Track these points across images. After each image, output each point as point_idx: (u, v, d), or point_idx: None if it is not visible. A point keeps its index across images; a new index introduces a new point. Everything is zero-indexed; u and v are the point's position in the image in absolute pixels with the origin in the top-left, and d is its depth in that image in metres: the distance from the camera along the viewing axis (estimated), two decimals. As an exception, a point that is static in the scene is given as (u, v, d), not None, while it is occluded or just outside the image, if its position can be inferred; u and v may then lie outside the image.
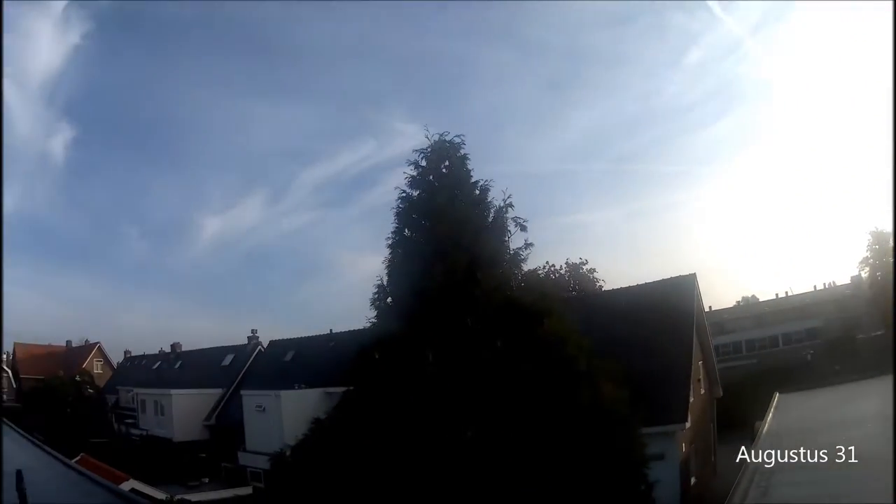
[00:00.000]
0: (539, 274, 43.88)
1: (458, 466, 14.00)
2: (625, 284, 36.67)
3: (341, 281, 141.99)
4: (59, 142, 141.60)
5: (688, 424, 27.67)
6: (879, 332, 63.89)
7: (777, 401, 40.19)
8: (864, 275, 72.48)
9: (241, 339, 62.77)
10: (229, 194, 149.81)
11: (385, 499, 14.40)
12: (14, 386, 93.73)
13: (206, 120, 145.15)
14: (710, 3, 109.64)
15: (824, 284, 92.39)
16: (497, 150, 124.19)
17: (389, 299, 17.60)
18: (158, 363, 74.91)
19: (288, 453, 18.18)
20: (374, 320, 17.66)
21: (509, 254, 17.63)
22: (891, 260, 66.66)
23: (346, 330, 47.90)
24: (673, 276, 33.34)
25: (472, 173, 18.21)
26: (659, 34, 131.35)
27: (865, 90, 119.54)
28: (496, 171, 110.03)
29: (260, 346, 60.77)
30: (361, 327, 19.02)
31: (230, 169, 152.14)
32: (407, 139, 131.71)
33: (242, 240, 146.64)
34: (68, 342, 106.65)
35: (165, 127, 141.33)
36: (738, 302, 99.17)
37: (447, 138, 18.33)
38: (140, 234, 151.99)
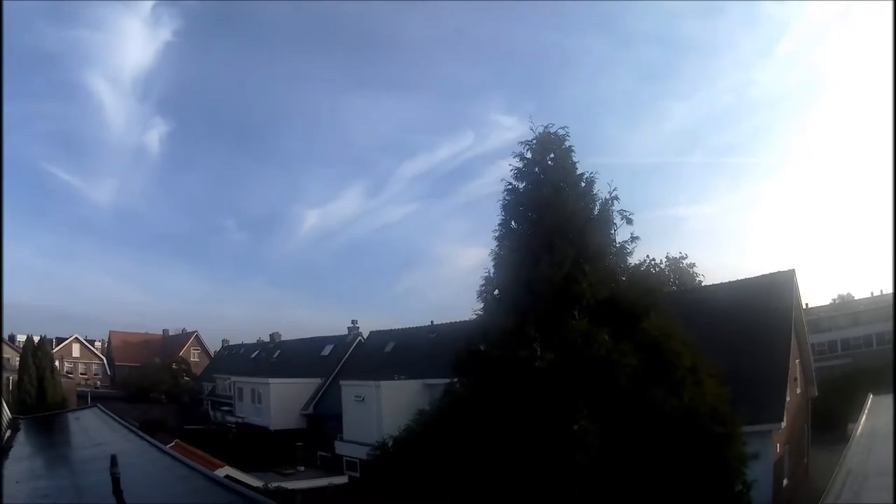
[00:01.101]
0: (641, 268, 43.55)
1: (566, 462, 14.08)
2: (723, 280, 36.18)
3: (441, 272, 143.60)
4: (155, 136, 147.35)
5: (783, 424, 27.14)
6: None
7: (871, 402, 39.01)
8: None
9: (341, 329, 64.06)
10: (329, 187, 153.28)
11: (493, 492, 14.61)
12: (109, 373, 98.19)
13: (303, 114, 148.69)
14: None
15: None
16: (595, 142, 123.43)
17: (496, 291, 17.67)
18: (257, 352, 76.56)
19: (390, 444, 18.44)
20: (480, 312, 17.74)
21: (615, 247, 17.57)
22: None
23: (447, 322, 48.33)
24: (771, 272, 32.71)
25: (577, 165, 18.20)
26: (751, 24, 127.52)
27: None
28: (595, 163, 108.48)
29: (360, 337, 61.60)
30: (463, 319, 19.22)
31: (329, 162, 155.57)
32: (505, 131, 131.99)
33: (341, 231, 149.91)
34: (165, 331, 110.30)
35: (263, 121, 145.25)
36: (834, 299, 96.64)
37: (551, 130, 18.35)
38: (238, 226, 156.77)
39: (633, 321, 16.33)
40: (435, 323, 53.86)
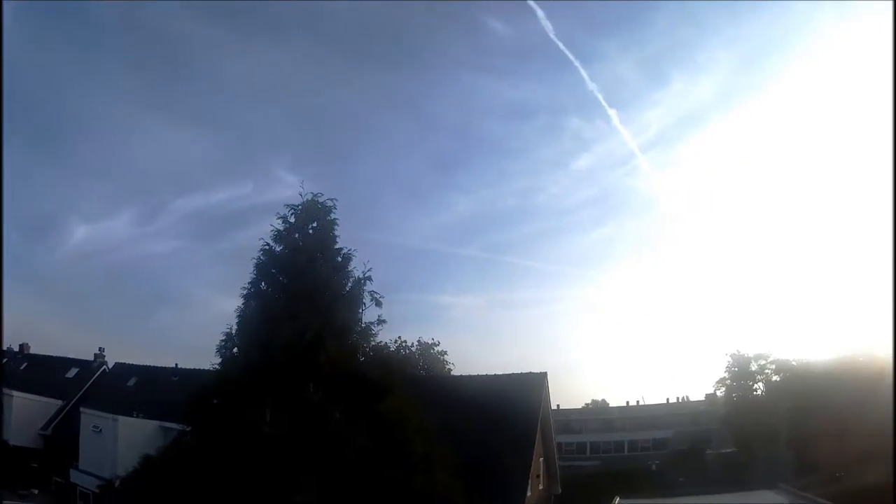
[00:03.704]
0: (390, 348, 43.77)
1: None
2: (477, 371, 36.55)
3: (194, 315, 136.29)
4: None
5: None
6: (730, 450, 66.63)
7: None
8: (720, 394, 74.75)
9: (87, 352, 60.46)
10: (102, 203, 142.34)
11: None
12: None
13: (88, 116, 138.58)
14: (610, 112, 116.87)
15: (678, 398, 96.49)
16: (375, 217, 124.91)
17: (235, 350, 16.96)
18: (6, 360, 70.35)
19: (117, 484, 17.16)
20: (217, 367, 17.00)
21: (361, 326, 17.42)
22: (748, 383, 69.96)
23: (192, 368, 46.48)
24: (524, 371, 33.37)
25: (338, 239, 18.10)
26: (554, 134, 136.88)
27: (739, 219, 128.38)
28: (369, 237, 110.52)
29: (105, 366, 58.44)
30: (207, 367, 18.33)
31: (107, 177, 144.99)
32: (285, 188, 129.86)
33: (107, 253, 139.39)
34: None
35: (49, 118, 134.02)
36: (587, 404, 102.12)
37: (320, 199, 18.19)
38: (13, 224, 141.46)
39: (370, 401, 16.10)
40: (179, 366, 51.92)
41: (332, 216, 18.16)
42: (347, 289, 17.40)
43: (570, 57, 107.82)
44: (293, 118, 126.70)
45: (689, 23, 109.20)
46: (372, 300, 17.33)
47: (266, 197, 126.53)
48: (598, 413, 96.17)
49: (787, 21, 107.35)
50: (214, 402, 16.68)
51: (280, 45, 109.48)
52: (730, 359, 70.74)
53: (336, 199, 18.24)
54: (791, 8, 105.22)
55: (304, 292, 16.53)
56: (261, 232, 18.36)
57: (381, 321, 17.44)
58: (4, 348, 73.48)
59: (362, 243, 18.21)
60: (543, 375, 32.97)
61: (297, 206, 18.02)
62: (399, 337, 53.70)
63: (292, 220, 17.99)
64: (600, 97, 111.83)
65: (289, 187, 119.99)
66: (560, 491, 39.66)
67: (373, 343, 17.75)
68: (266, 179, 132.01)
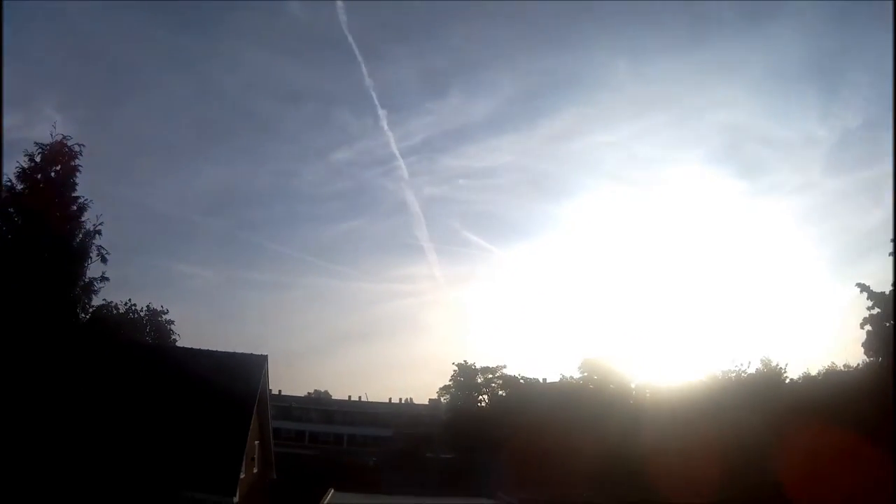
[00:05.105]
0: (118, 310, 42.08)
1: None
2: (203, 346, 34.88)
3: None
4: None
5: (236, 499, 27.02)
6: (449, 455, 69.08)
7: (331, 497, 41.56)
8: (445, 400, 77.89)
9: None
10: None
11: None
12: None
13: None
14: (381, 112, 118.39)
15: (401, 399, 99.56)
16: (129, 173, 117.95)
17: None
18: None
19: None
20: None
21: (85, 280, 16.83)
22: (473, 394, 73.30)
23: None
24: (247, 352, 32.89)
25: (77, 187, 17.46)
26: (321, 123, 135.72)
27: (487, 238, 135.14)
28: (119, 193, 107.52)
29: None
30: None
31: None
32: (50, 126, 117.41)
33: None
34: None
35: None
36: (310, 393, 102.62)
37: (69, 143, 17.40)
38: None
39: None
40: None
41: (76, 162, 17.42)
42: (78, 240, 16.72)
43: (356, 50, 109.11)
44: (73, 57, 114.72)
45: (483, 44, 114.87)
46: (98, 255, 16.82)
47: (33, 133, 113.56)
48: (319, 403, 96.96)
49: (573, 63, 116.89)
50: None
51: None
52: (456, 368, 73.80)
53: (84, 146, 17.53)
54: (578, 51, 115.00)
55: (33, 236, 15.67)
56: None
57: (104, 278, 17.00)
58: None
59: (109, 198, 17.60)
60: (264, 358, 32.60)
61: (45, 147, 17.12)
62: (130, 300, 51.26)
63: (38, 159, 17.08)
64: (374, 95, 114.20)
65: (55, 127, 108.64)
66: (276, 476, 39.42)
67: (99, 302, 17.17)
68: (37, 116, 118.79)
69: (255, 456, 32.40)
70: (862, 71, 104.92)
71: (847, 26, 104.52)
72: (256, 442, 32.49)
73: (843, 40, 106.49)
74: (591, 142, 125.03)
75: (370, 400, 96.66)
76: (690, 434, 35.70)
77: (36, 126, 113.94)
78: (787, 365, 40.28)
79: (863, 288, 35.07)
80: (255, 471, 32.54)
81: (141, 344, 40.37)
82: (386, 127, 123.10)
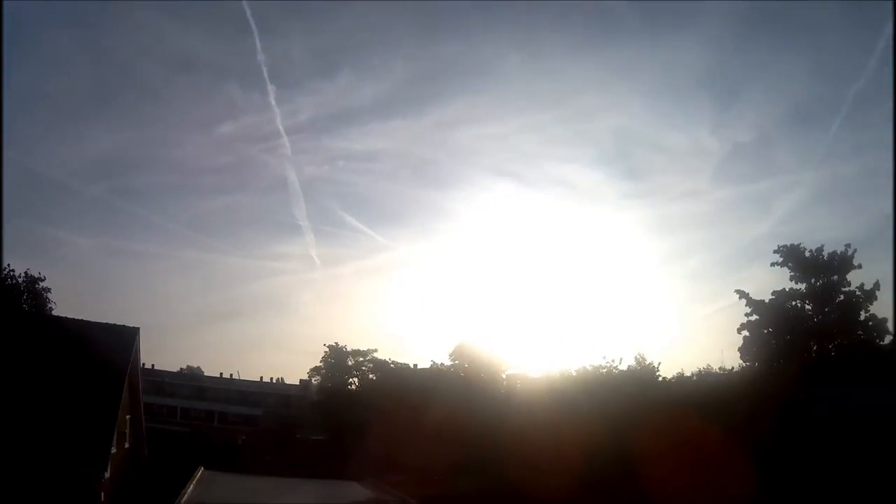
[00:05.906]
0: None
1: None
2: (78, 316, 34.22)
3: None
4: None
5: (107, 474, 26.73)
6: (320, 437, 69.16)
7: (201, 475, 41.53)
8: (315, 381, 77.88)
9: None
10: None
11: None
12: None
13: None
14: (270, 87, 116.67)
15: (272, 379, 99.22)
16: (8, 131, 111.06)
17: None
18: None
19: None
20: None
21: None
22: (344, 376, 72.46)
23: None
24: (118, 323, 32.99)
25: None
26: (208, 94, 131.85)
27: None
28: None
29: None
30: None
31: None
32: None
33: None
34: None
35: None
36: (183, 369, 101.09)
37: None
38: None
39: None
40: None
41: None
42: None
43: (252, 22, 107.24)
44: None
45: (375, 27, 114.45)
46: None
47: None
48: (191, 380, 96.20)
49: (466, 52, 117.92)
50: None
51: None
52: (328, 350, 73.67)
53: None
54: (471, 39, 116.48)
55: None
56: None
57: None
58: None
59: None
60: (136, 330, 32.59)
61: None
62: (9, 265, 49.50)
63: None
64: (265, 70, 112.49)
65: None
66: (147, 452, 39.02)
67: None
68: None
69: (127, 430, 32.20)
70: (759, 90, 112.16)
71: (751, 44, 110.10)
72: (128, 416, 32.36)
73: (745, 58, 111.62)
74: (479, 133, 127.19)
75: (242, 378, 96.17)
76: (553, 425, 36.30)
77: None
78: (660, 364, 41.47)
79: (742, 295, 37.64)
80: (126, 446, 32.39)
81: (7, 311, 39.19)
82: (273, 102, 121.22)
